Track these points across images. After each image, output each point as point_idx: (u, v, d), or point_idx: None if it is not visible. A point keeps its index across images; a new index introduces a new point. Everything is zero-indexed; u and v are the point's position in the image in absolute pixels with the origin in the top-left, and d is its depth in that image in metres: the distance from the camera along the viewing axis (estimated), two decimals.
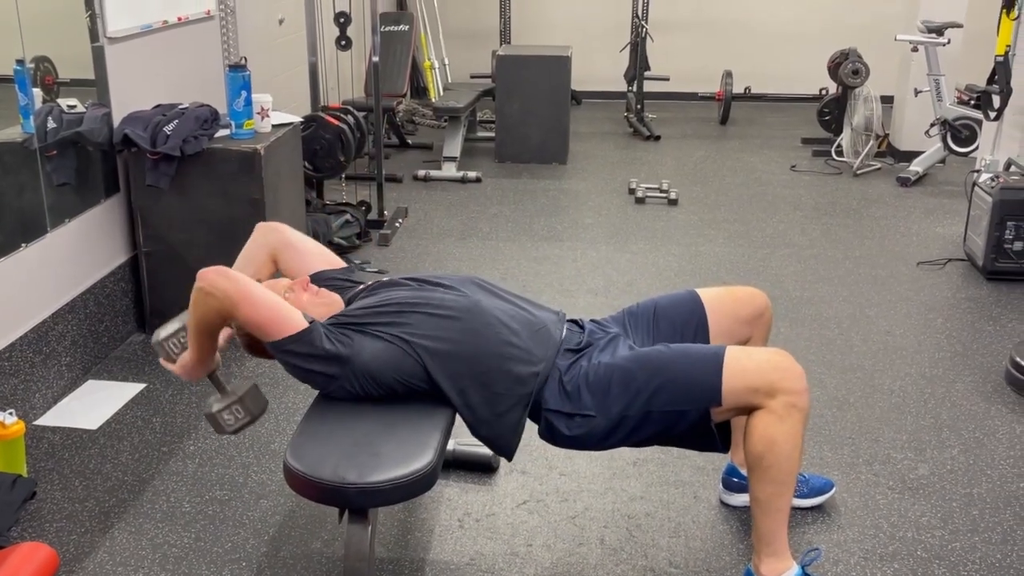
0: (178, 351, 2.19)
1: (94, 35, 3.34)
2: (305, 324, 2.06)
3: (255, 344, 2.20)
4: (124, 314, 3.59)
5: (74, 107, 3.27)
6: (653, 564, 2.39)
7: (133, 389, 3.25)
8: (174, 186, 3.48)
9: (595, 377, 2.13)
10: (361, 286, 2.36)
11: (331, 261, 2.47)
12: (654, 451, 2.84)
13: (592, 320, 2.38)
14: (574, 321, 2.36)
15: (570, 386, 2.14)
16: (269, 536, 2.48)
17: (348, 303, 2.28)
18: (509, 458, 2.24)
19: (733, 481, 2.59)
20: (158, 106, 3.61)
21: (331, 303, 2.24)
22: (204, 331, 2.10)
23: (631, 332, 2.36)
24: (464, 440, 2.71)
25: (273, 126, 3.73)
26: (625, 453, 2.83)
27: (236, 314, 2.03)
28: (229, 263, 2.53)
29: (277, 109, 3.81)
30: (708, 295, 2.40)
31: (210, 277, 2.04)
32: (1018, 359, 3.28)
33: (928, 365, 3.49)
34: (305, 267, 2.40)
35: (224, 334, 2.26)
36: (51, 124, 3.12)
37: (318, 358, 2.06)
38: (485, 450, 2.75)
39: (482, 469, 2.78)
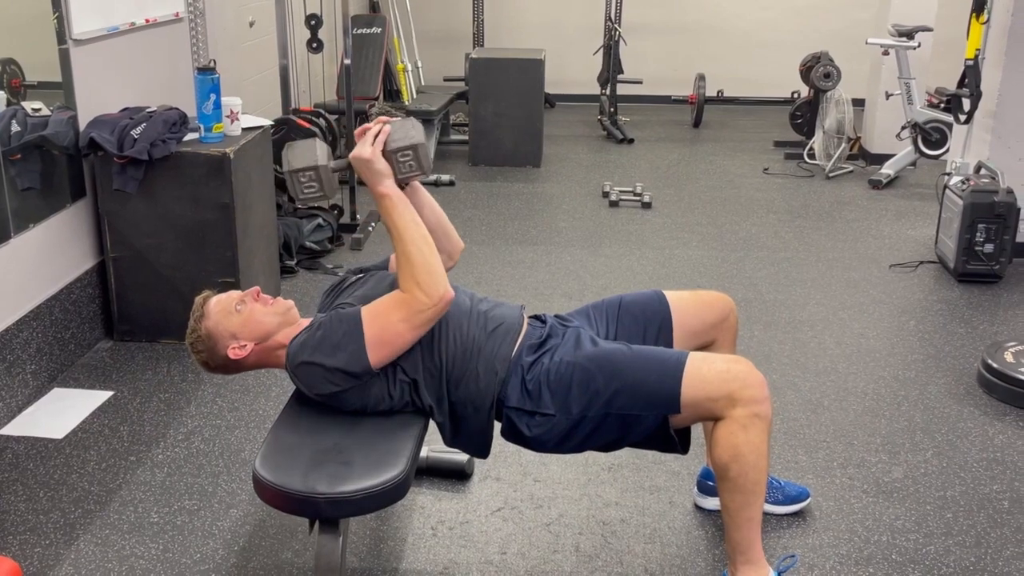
0: (400, 161, 2.11)
1: (60, 37, 3.28)
2: (372, 372, 2.05)
3: (224, 364, 2.17)
4: (91, 320, 3.53)
5: (39, 110, 3.21)
6: (628, 570, 2.37)
7: (100, 397, 3.19)
8: (142, 190, 3.42)
9: (556, 376, 2.12)
10: (348, 280, 2.35)
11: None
12: (629, 456, 2.83)
13: (555, 316, 2.37)
14: (536, 316, 2.35)
15: (531, 384, 2.13)
16: (239, 547, 2.44)
17: (332, 299, 2.28)
18: (484, 457, 2.24)
19: (708, 484, 2.58)
20: (125, 109, 3.56)
21: (284, 311, 2.19)
22: (396, 238, 2.06)
23: (595, 323, 2.36)
24: (437, 447, 2.68)
25: (243, 129, 3.69)
26: (600, 459, 2.82)
27: (399, 320, 2.01)
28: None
29: (247, 112, 3.77)
30: (674, 297, 2.40)
31: (446, 305, 2.04)
32: (989, 361, 3.30)
33: (901, 368, 3.50)
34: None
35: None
36: (15, 127, 3.06)
37: (341, 380, 2.06)
38: (459, 457, 2.73)
39: (456, 476, 2.75)
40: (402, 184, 2.17)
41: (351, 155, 2.12)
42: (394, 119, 2.18)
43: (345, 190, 4.97)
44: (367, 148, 2.10)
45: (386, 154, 2.12)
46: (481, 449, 2.22)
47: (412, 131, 2.13)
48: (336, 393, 2.08)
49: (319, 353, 2.04)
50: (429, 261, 2.04)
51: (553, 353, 2.17)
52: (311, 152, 2.15)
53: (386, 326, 2.02)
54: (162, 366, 3.42)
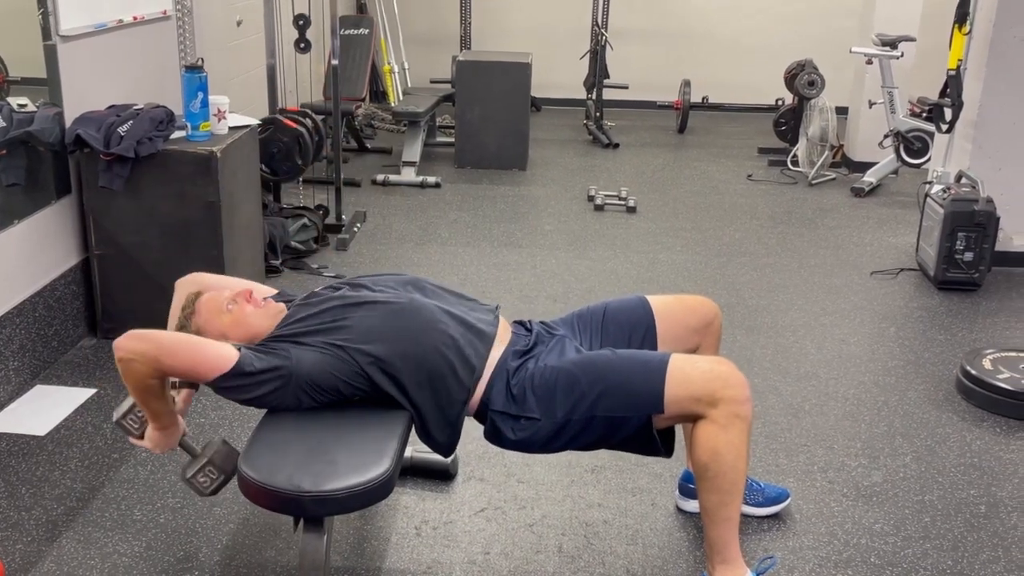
0: (138, 426, 2.14)
1: (46, 33, 3.27)
2: (234, 357, 2.02)
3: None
4: (75, 318, 3.52)
5: (24, 106, 3.20)
6: (610, 571, 2.39)
7: (83, 394, 3.19)
8: (128, 188, 3.42)
9: (541, 380, 2.13)
10: (298, 297, 2.33)
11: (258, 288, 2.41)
12: (612, 458, 2.85)
13: (541, 322, 2.38)
14: (521, 323, 2.36)
15: (516, 389, 2.14)
16: (222, 545, 2.44)
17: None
18: (448, 455, 2.26)
19: (689, 487, 2.60)
20: (112, 106, 3.55)
21: (275, 315, 2.20)
22: (148, 396, 2.04)
23: (579, 334, 2.37)
24: (422, 447, 2.69)
25: (230, 128, 3.68)
26: (583, 460, 2.84)
27: (163, 369, 1.99)
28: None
29: (234, 111, 3.77)
30: (657, 302, 2.41)
31: (124, 344, 2.00)
32: (968, 368, 3.34)
33: (881, 373, 3.54)
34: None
35: (182, 396, 2.23)
36: (0, 123, 3.05)
37: (258, 382, 2.04)
38: (443, 457, 2.73)
39: (440, 476, 2.76)
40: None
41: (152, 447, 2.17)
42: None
43: (331, 190, 4.97)
44: (148, 447, 2.17)
45: (141, 438, 2.17)
46: (448, 447, 2.21)
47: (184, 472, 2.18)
48: (278, 388, 2.07)
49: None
50: (133, 392, 2.05)
51: (539, 359, 2.19)
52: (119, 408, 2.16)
53: (185, 374, 2.05)
54: None
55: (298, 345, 2.09)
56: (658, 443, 2.12)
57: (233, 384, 2.02)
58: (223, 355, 2.01)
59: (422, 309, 2.17)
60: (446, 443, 2.21)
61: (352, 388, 2.11)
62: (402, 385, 2.12)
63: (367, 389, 2.12)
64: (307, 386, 2.07)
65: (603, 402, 2.09)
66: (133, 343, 1.99)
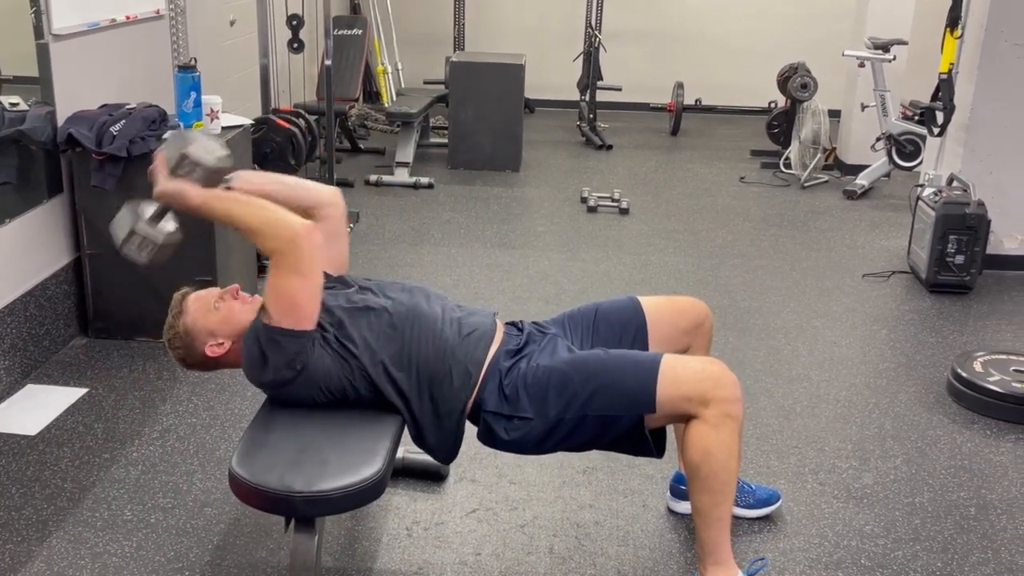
0: (187, 175, 2.04)
1: (39, 32, 3.26)
2: (312, 327, 2.04)
3: (202, 361, 2.17)
4: (66, 317, 3.51)
5: (16, 105, 3.19)
6: (601, 572, 2.39)
7: (74, 394, 3.18)
8: (120, 187, 3.41)
9: (533, 380, 2.14)
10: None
11: (340, 271, 2.40)
12: (604, 459, 2.85)
13: (533, 322, 2.39)
14: (513, 323, 2.37)
15: (509, 389, 2.14)
16: (213, 545, 2.44)
17: None
18: (449, 462, 2.25)
19: (681, 488, 2.61)
20: (104, 106, 3.54)
21: None
22: (233, 226, 2.05)
23: (571, 334, 2.37)
24: (413, 448, 2.69)
25: (223, 128, 3.68)
26: (575, 461, 2.84)
27: (286, 276, 1.99)
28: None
29: (227, 111, 3.77)
30: (649, 303, 2.42)
31: (315, 239, 2.00)
32: (959, 370, 3.35)
33: (872, 375, 3.55)
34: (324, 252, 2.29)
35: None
36: None
37: (289, 365, 2.05)
38: None
39: (431, 477, 2.76)
40: (215, 184, 2.12)
41: (155, 195, 2.08)
42: (165, 140, 2.13)
43: None
44: (159, 183, 2.07)
45: (174, 176, 2.07)
46: (449, 454, 2.23)
47: (179, 142, 2.08)
48: (290, 379, 2.08)
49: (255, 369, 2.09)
50: (266, 217, 2.02)
51: (531, 358, 2.19)
52: (123, 218, 2.10)
53: (281, 292, 2.02)
54: (137, 364, 3.41)
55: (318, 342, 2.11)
56: (650, 443, 2.13)
57: (283, 342, 2.02)
58: (310, 318, 2.05)
59: (423, 318, 2.18)
60: (447, 452, 2.22)
61: (356, 394, 2.13)
62: (402, 391, 2.14)
63: (369, 395, 2.14)
64: (312, 386, 2.10)
65: (595, 401, 2.09)
66: (309, 246, 1.99)
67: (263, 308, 2.05)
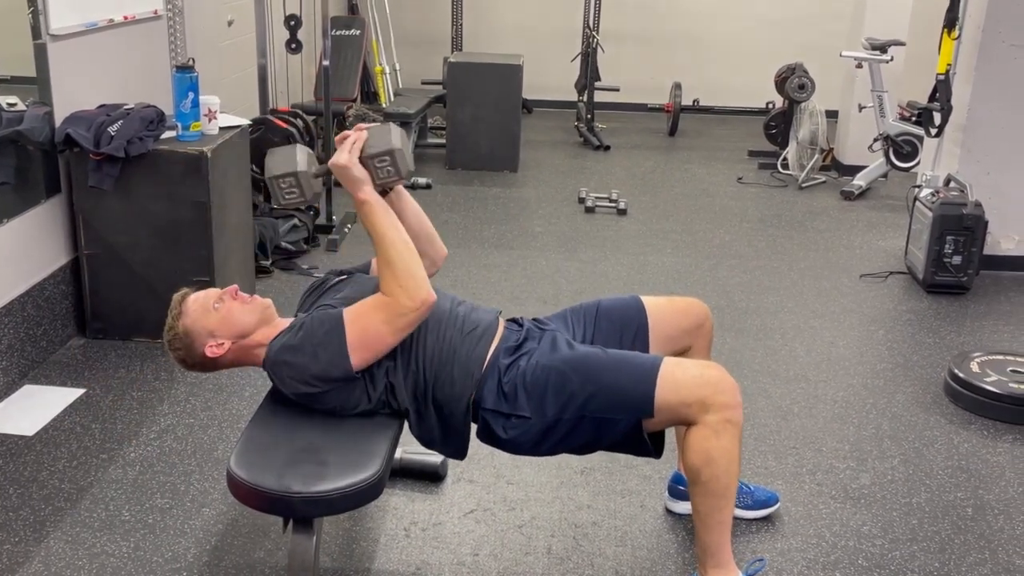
0: (377, 166, 2.09)
1: (36, 32, 3.26)
2: (356, 373, 2.07)
3: (201, 361, 2.18)
4: (64, 317, 3.51)
5: (14, 105, 3.19)
6: (599, 573, 2.39)
7: (72, 394, 3.17)
8: (118, 188, 3.41)
9: (532, 378, 2.13)
10: (330, 282, 2.35)
11: None
12: (601, 460, 2.85)
13: (533, 319, 2.39)
14: (514, 320, 2.36)
15: (508, 387, 2.14)
16: (211, 545, 2.44)
17: (313, 299, 2.29)
18: (461, 458, 2.25)
19: (679, 489, 2.61)
20: (102, 106, 3.54)
21: (262, 310, 2.20)
22: (378, 244, 2.07)
23: (572, 329, 2.37)
24: (411, 448, 2.70)
25: (220, 128, 3.68)
26: (573, 462, 2.84)
27: (382, 323, 2.03)
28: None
29: (225, 111, 3.76)
30: (651, 302, 2.42)
31: (427, 309, 2.06)
32: (956, 371, 3.35)
33: (870, 376, 3.55)
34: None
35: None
36: None
37: (331, 389, 2.08)
38: (432, 458, 2.74)
39: (429, 478, 2.76)
40: (384, 190, 2.18)
41: (330, 162, 2.12)
42: (372, 125, 2.19)
43: (321, 191, 4.96)
44: (344, 155, 2.10)
45: (363, 160, 2.11)
46: (458, 451, 2.23)
47: (390, 136, 2.12)
48: (314, 394, 2.08)
49: (300, 354, 2.05)
50: (410, 265, 2.05)
51: (530, 356, 2.19)
52: (291, 158, 2.15)
53: (368, 328, 2.03)
54: (135, 364, 3.41)
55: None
56: (648, 445, 2.13)
57: (326, 382, 2.06)
58: (364, 366, 2.08)
59: (429, 317, 2.18)
60: (456, 449, 2.23)
61: (370, 400, 2.14)
62: (407, 392, 2.14)
63: (376, 400, 2.15)
64: (342, 398, 2.12)
65: (593, 403, 2.09)
66: (419, 319, 2.06)
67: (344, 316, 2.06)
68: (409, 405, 2.15)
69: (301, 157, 2.16)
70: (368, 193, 2.11)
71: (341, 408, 2.12)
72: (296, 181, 2.14)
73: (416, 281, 2.04)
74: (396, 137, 2.13)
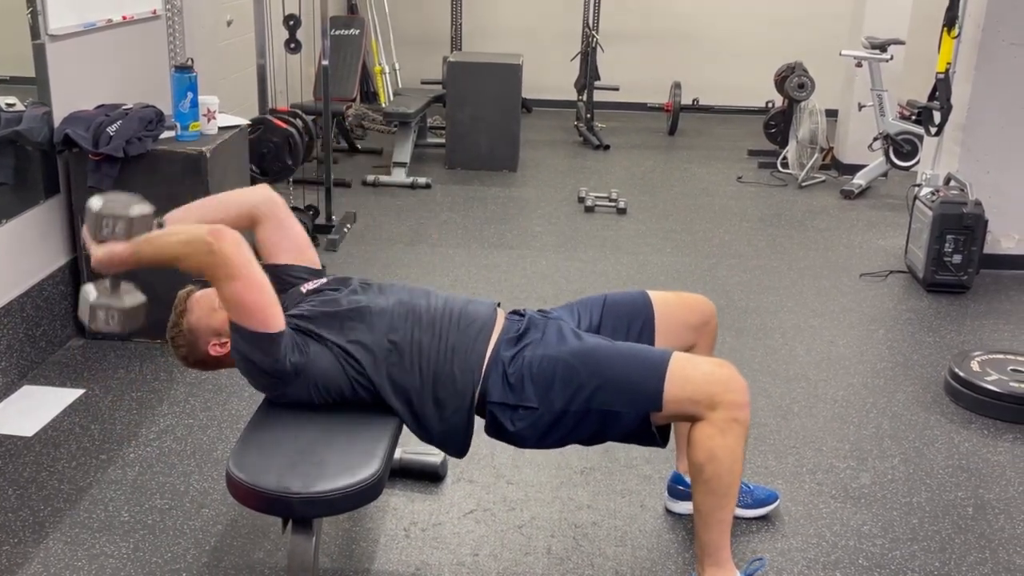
0: (110, 235, 1.96)
1: (35, 32, 3.25)
2: (282, 326, 2.01)
3: (204, 360, 2.17)
4: (63, 318, 3.50)
5: (13, 105, 3.19)
6: (599, 573, 2.39)
7: (71, 395, 3.17)
8: (117, 188, 3.40)
9: (539, 369, 2.12)
10: (311, 285, 2.32)
11: (307, 259, 2.39)
12: (601, 459, 2.85)
13: (538, 310, 2.37)
14: (516, 311, 2.35)
15: (513, 378, 2.13)
16: (210, 546, 2.43)
17: (295, 302, 2.25)
18: (461, 456, 2.23)
19: (679, 489, 2.61)
20: (101, 106, 3.54)
21: None
22: (167, 262, 1.96)
23: (579, 320, 2.36)
24: (411, 448, 2.70)
25: (220, 128, 3.68)
26: (573, 461, 2.84)
27: (223, 285, 1.94)
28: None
29: (224, 111, 3.76)
30: (657, 297, 2.42)
31: (225, 239, 1.92)
32: (956, 370, 3.35)
33: (870, 375, 3.55)
34: (277, 251, 2.33)
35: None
36: None
37: (276, 366, 2.03)
38: (432, 458, 2.74)
39: (429, 478, 2.76)
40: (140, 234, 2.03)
41: (91, 268, 2.01)
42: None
43: (321, 191, 4.96)
44: (91, 254, 1.99)
45: (100, 241, 1.99)
46: (459, 450, 2.22)
47: (90, 207, 2.00)
48: (275, 381, 2.07)
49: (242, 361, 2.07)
50: (179, 240, 1.97)
51: (535, 346, 2.17)
52: (83, 299, 2.02)
53: (229, 302, 1.98)
54: (134, 365, 3.40)
55: (317, 342, 2.10)
56: (655, 436, 2.12)
57: (260, 346, 1.99)
58: (277, 319, 2.00)
59: (422, 318, 2.17)
60: (457, 447, 2.21)
61: (355, 394, 2.13)
62: (406, 392, 2.13)
63: (368, 396, 2.13)
64: (311, 387, 2.09)
65: (601, 395, 2.08)
66: (232, 247, 1.92)
67: (230, 322, 2.03)
68: (407, 405, 2.14)
69: (83, 293, 2.02)
70: (124, 250, 1.96)
71: (324, 387, 2.10)
72: (103, 310, 2.00)
73: (192, 240, 1.93)
74: (92, 203, 2.00)
